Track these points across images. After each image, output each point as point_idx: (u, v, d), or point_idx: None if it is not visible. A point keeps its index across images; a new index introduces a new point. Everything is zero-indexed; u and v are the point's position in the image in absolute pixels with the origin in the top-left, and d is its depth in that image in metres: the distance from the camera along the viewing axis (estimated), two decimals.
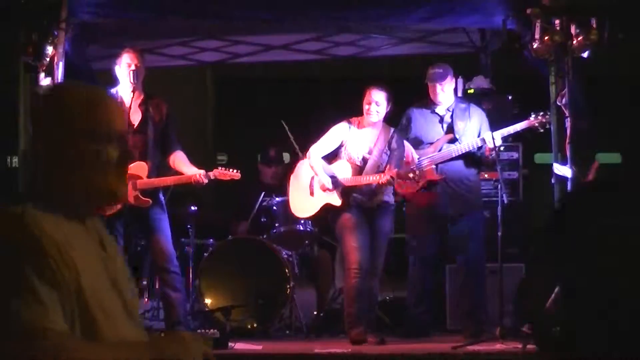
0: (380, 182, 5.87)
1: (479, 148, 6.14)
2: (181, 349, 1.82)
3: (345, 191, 6.04)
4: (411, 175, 5.85)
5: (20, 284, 1.68)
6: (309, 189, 6.19)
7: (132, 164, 5.73)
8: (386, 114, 6.08)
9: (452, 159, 6.18)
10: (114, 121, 1.92)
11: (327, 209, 6.11)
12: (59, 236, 1.78)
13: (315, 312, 6.68)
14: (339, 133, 6.12)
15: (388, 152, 6.08)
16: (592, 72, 5.98)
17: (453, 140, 6.22)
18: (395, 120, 6.41)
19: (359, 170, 6.06)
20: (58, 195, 1.87)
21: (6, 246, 1.72)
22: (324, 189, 6.04)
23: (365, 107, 6.00)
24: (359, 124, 6.11)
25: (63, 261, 1.75)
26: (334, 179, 6.05)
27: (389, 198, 6.12)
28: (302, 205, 6.24)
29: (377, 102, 5.96)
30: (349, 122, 6.14)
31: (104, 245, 1.97)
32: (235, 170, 5.98)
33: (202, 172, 5.86)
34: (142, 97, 5.93)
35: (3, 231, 1.75)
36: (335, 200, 6.05)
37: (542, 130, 6.07)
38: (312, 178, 6.17)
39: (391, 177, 5.84)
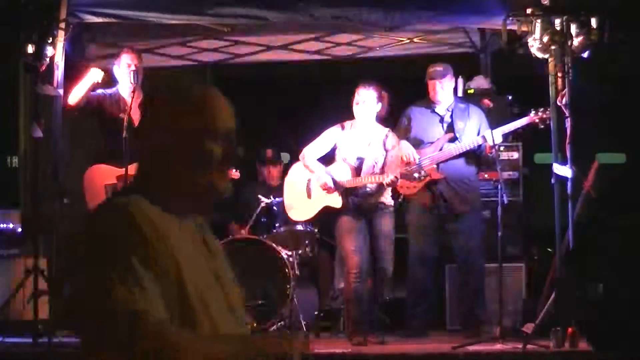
0: (384, 182, 5.87)
1: (479, 146, 6.14)
2: (284, 344, 1.80)
3: (345, 193, 6.04)
4: (417, 175, 5.86)
5: (124, 271, 1.70)
6: (306, 192, 6.18)
7: (131, 165, 5.74)
8: (384, 113, 6.07)
9: (453, 158, 6.19)
10: (222, 119, 1.92)
11: (325, 211, 6.11)
12: (163, 228, 1.79)
13: (315, 312, 6.68)
14: (331, 136, 6.12)
15: (384, 152, 6.08)
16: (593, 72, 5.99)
17: (453, 140, 6.23)
18: (395, 119, 6.41)
19: (355, 171, 6.06)
20: (163, 192, 1.88)
21: (112, 234, 1.75)
22: (325, 188, 6.02)
23: (354, 105, 6.01)
24: (352, 126, 6.12)
25: (165, 252, 1.77)
26: (332, 180, 6.04)
27: (387, 199, 6.10)
28: (300, 209, 6.23)
29: (364, 101, 5.97)
30: (342, 126, 6.14)
31: (207, 242, 1.97)
32: (234, 170, 5.98)
33: None
34: (141, 97, 5.94)
35: (110, 220, 1.78)
36: (336, 202, 6.04)
37: (542, 127, 6.07)
38: (309, 180, 6.17)
39: (395, 177, 5.85)
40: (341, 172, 6.06)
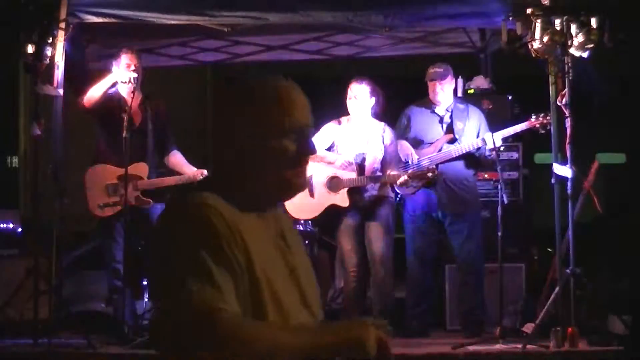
0: (397, 182, 5.90)
1: (479, 149, 6.15)
2: (363, 333, 1.77)
3: (351, 191, 6.04)
4: (430, 174, 5.87)
5: (197, 266, 1.71)
6: (308, 191, 6.18)
7: (132, 165, 5.74)
8: (379, 109, 6.09)
9: (452, 159, 6.19)
10: (296, 115, 1.90)
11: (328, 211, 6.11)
12: (236, 224, 1.79)
13: None
14: (329, 132, 6.13)
15: (382, 148, 6.09)
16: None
17: (452, 141, 6.23)
18: (395, 119, 6.41)
19: (358, 168, 6.06)
20: (238, 188, 1.88)
21: (184, 229, 1.76)
22: (346, 167, 6.00)
23: (347, 101, 6.05)
24: (348, 121, 6.14)
25: (237, 246, 1.77)
26: (336, 180, 6.05)
27: (389, 192, 6.13)
28: (302, 207, 6.22)
29: (356, 96, 6.00)
30: (339, 122, 6.15)
31: (284, 236, 1.96)
32: None
33: (204, 171, 5.86)
34: (141, 97, 5.94)
35: (182, 215, 1.79)
36: (343, 200, 6.04)
37: (542, 132, 6.07)
38: (310, 177, 6.16)
39: (408, 177, 5.87)
40: (347, 169, 6.06)
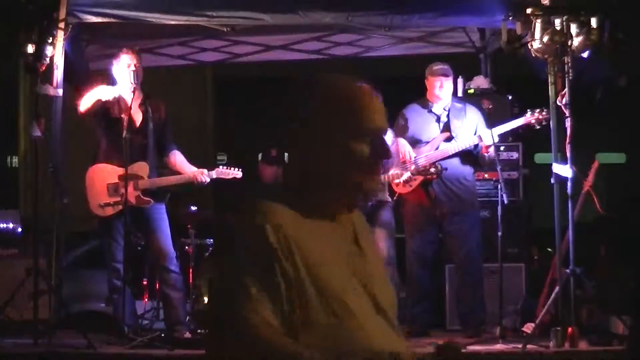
0: (401, 180, 5.90)
1: (476, 146, 6.15)
2: None
3: None
4: (433, 170, 5.88)
5: (242, 282, 1.73)
6: None
7: (133, 164, 5.74)
8: None
9: (449, 157, 6.19)
10: (371, 118, 1.86)
11: None
12: (297, 235, 1.78)
13: None
14: None
15: None
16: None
17: (449, 139, 6.24)
18: (393, 119, 6.41)
19: None
20: (310, 193, 1.85)
21: (239, 240, 1.78)
22: None
23: None
24: None
25: (290, 260, 1.76)
26: None
27: (384, 196, 6.14)
28: None
29: None
30: None
31: (358, 241, 1.92)
32: (237, 169, 5.98)
33: (204, 171, 5.86)
34: (141, 97, 5.93)
35: (242, 225, 1.80)
36: None
37: (538, 127, 6.07)
38: None
39: (411, 173, 5.88)
40: None
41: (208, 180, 5.86)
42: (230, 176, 5.95)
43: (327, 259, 1.81)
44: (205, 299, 6.37)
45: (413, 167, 6.04)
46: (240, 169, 5.99)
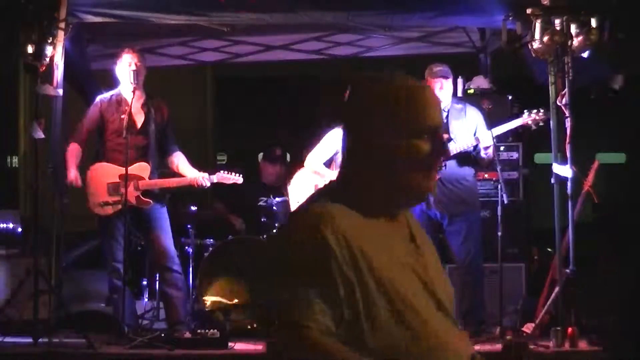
0: None
1: (475, 147, 6.15)
2: None
3: None
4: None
5: (296, 281, 1.74)
6: None
7: (134, 165, 5.74)
8: None
9: (448, 158, 6.19)
10: (428, 115, 1.84)
11: None
12: (356, 234, 1.77)
13: None
14: (333, 139, 6.13)
15: None
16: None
17: (448, 140, 6.23)
18: None
19: None
20: (367, 190, 1.84)
21: (297, 241, 1.77)
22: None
23: None
24: None
25: (350, 261, 1.75)
26: None
27: None
28: None
29: None
30: None
31: (414, 237, 1.91)
32: (237, 175, 5.98)
33: (205, 175, 5.86)
34: (143, 97, 5.94)
35: (300, 226, 1.79)
36: None
37: (534, 128, 6.07)
38: (316, 186, 6.16)
39: None
40: None
41: (209, 184, 5.87)
42: (231, 181, 5.96)
43: (387, 259, 1.80)
44: (207, 300, 6.37)
45: None
46: (240, 174, 6.00)
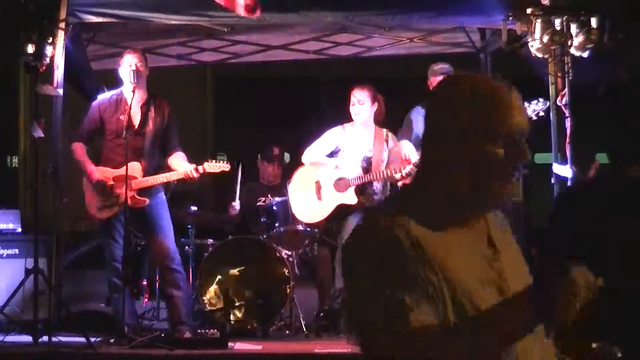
0: (403, 173, 5.88)
1: None
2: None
3: (359, 190, 6.04)
4: None
5: (389, 297, 1.68)
6: (316, 194, 6.17)
7: (131, 164, 5.74)
8: (380, 116, 6.10)
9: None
10: (516, 119, 1.79)
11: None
12: (429, 242, 1.72)
13: (315, 312, 6.68)
14: (333, 137, 6.13)
15: (387, 151, 6.10)
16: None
17: None
18: (394, 119, 6.42)
19: (364, 171, 6.07)
20: (441, 195, 1.78)
21: (373, 256, 1.72)
22: (337, 187, 6.02)
23: (350, 107, 6.05)
24: (352, 127, 6.14)
25: (430, 269, 1.70)
26: (343, 180, 6.05)
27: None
28: (311, 211, 6.21)
29: (359, 101, 6.02)
30: (343, 127, 6.15)
31: (493, 242, 1.84)
32: (224, 162, 6.00)
33: (193, 166, 5.86)
34: (144, 97, 5.93)
35: (372, 241, 1.74)
36: (351, 199, 6.04)
37: (535, 118, 6.07)
38: (317, 182, 6.17)
39: (414, 166, 5.86)
40: (352, 170, 6.06)
41: (197, 175, 5.86)
42: (219, 169, 5.96)
43: (463, 270, 1.74)
44: (207, 300, 6.37)
45: (416, 161, 6.00)
46: (228, 162, 6.02)
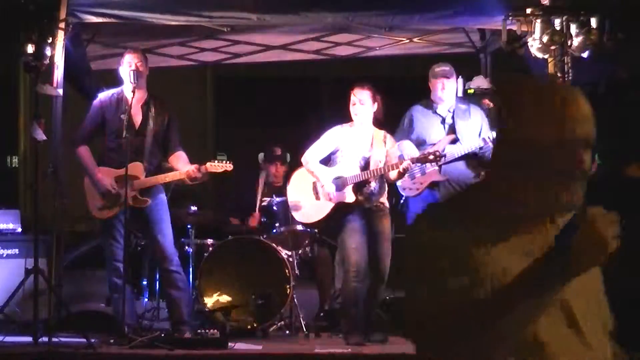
0: (400, 169, 5.87)
1: (481, 148, 6.14)
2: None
3: (356, 189, 6.03)
4: (431, 157, 5.86)
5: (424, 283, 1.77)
6: (314, 194, 6.17)
7: (132, 165, 5.74)
8: (380, 115, 6.09)
9: (454, 160, 6.18)
10: (583, 126, 1.74)
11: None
12: (490, 250, 1.73)
13: (315, 312, 6.68)
14: (333, 137, 6.12)
15: (385, 152, 6.10)
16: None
17: (455, 141, 6.22)
18: (394, 119, 6.41)
19: (362, 170, 6.06)
20: (504, 203, 1.77)
21: (419, 255, 1.80)
22: (329, 199, 6.03)
23: (351, 107, 6.04)
24: (352, 127, 6.13)
25: (482, 269, 1.71)
26: (341, 179, 6.04)
27: (385, 201, 6.13)
28: (310, 211, 6.21)
29: (361, 100, 6.01)
30: (342, 127, 6.15)
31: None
32: (227, 162, 5.99)
33: (195, 166, 5.86)
34: (145, 97, 5.94)
35: (416, 244, 1.81)
36: (349, 197, 6.03)
37: None
38: (314, 182, 6.16)
39: (411, 161, 5.86)
40: (350, 169, 6.05)
41: (200, 175, 5.86)
42: (221, 169, 5.96)
43: (515, 270, 1.72)
44: (207, 300, 6.37)
45: (412, 156, 5.98)
46: (231, 162, 6.00)
